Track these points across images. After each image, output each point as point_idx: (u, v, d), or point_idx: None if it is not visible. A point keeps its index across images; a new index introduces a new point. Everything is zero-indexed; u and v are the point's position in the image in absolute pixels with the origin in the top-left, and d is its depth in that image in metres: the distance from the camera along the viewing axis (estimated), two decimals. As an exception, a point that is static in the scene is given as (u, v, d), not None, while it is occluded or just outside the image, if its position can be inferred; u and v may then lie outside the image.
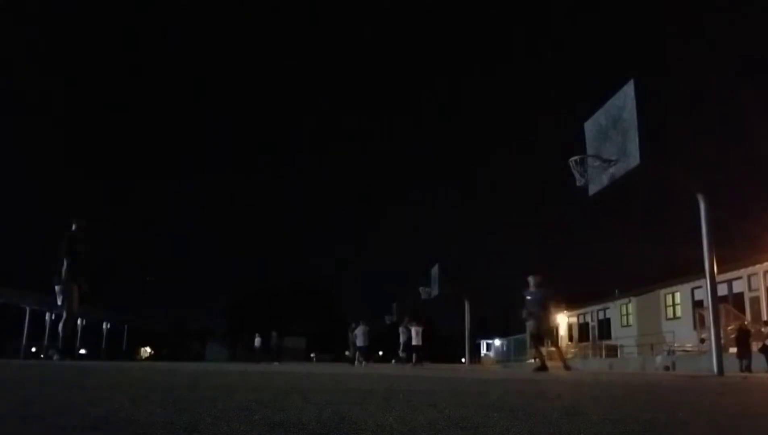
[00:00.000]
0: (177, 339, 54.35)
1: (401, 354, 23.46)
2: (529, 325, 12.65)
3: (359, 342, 22.17)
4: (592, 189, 11.35)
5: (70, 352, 11.15)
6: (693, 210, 10.32)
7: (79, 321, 33.13)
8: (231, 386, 3.34)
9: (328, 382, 4.29)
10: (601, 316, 32.43)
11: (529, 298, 12.11)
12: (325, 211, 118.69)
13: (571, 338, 36.07)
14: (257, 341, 31.82)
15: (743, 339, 16.51)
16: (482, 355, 50.05)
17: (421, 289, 28.21)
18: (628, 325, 29.14)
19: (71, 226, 9.50)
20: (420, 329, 22.13)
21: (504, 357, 45.71)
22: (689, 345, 22.09)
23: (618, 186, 10.85)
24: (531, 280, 12.02)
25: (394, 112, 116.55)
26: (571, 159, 11.36)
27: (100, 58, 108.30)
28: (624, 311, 29.84)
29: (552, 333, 12.36)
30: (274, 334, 32.03)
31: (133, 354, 45.39)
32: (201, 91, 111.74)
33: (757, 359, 16.11)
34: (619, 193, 12.21)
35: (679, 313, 25.08)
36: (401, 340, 23.26)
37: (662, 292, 26.45)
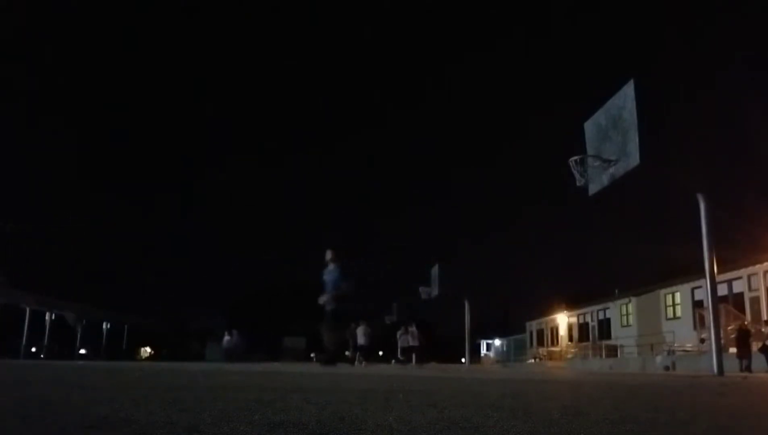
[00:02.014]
0: (177, 339, 54.32)
1: (401, 357, 23.59)
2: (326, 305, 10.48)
3: (360, 342, 22.18)
4: (592, 189, 11.36)
5: None
6: (693, 210, 10.33)
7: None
8: (231, 386, 3.34)
9: (328, 382, 4.29)
10: (601, 316, 32.42)
11: (326, 277, 10.57)
12: (325, 211, 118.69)
13: (571, 338, 36.05)
14: (225, 340, 30.72)
15: (743, 339, 16.50)
16: (482, 355, 50.05)
17: (421, 289, 28.24)
18: (628, 325, 29.14)
19: None
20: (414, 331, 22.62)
21: (504, 357, 45.71)
22: (689, 345, 22.08)
23: (618, 186, 10.86)
24: (328, 254, 10.56)
25: (394, 111, 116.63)
26: (571, 159, 11.37)
27: (98, 58, 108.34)
28: (624, 311, 29.83)
29: (334, 319, 9.99)
30: (234, 331, 30.95)
31: (133, 354, 45.38)
32: (200, 91, 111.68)
33: (757, 359, 16.10)
34: (619, 193, 12.19)
35: (679, 313, 25.07)
36: (400, 344, 23.36)
37: (662, 292, 26.44)
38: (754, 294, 20.71)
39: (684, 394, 3.61)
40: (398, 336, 23.77)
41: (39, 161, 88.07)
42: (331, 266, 10.53)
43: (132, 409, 1.72)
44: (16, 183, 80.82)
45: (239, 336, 30.49)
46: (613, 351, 28.23)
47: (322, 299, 10.33)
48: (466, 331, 28.53)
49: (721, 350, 10.22)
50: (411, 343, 22.49)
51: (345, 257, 10.60)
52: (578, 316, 35.38)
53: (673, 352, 22.37)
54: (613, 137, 10.70)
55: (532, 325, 42.36)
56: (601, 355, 28.54)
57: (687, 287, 24.14)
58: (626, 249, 79.06)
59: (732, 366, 13.87)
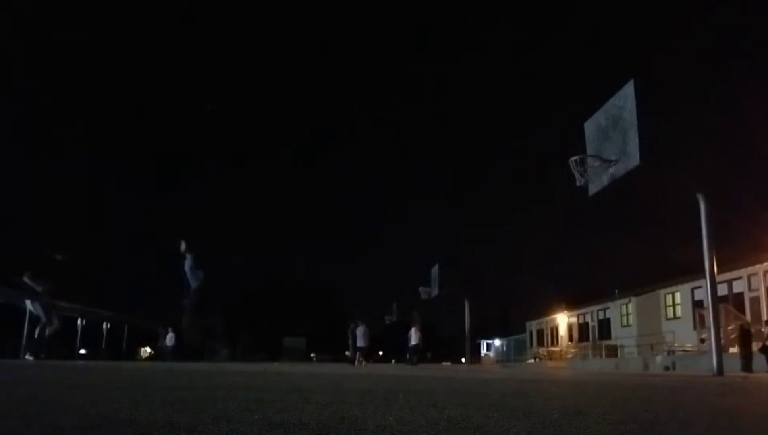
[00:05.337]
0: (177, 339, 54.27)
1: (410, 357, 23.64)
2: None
3: (359, 342, 22.21)
4: (592, 189, 11.36)
5: None
6: (693, 210, 10.33)
7: (79, 321, 33.26)
8: (231, 386, 3.34)
9: (328, 382, 4.29)
10: (601, 316, 32.41)
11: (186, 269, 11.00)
12: (326, 211, 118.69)
13: (571, 338, 36.06)
14: (169, 338, 28.34)
15: (744, 339, 16.49)
16: (482, 355, 50.03)
17: (421, 289, 28.26)
18: (628, 325, 29.13)
19: None
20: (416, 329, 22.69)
21: (504, 357, 45.69)
22: (689, 345, 22.07)
23: (618, 186, 10.86)
24: (182, 245, 10.93)
25: (394, 111, 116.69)
26: (571, 159, 11.37)
27: (98, 58, 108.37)
28: (624, 311, 29.82)
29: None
30: (169, 329, 28.64)
31: (133, 354, 45.35)
32: (200, 91, 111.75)
33: (757, 359, 16.09)
34: (619, 193, 12.18)
35: (679, 313, 25.06)
36: (412, 341, 23.34)
37: (662, 292, 26.43)
38: (754, 294, 20.70)
39: (684, 394, 3.61)
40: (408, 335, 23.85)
41: (39, 161, 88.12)
42: (187, 258, 10.64)
43: (132, 409, 1.72)
44: (15, 183, 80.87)
45: (177, 338, 28.40)
46: (613, 351, 28.22)
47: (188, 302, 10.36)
48: (466, 331, 28.54)
49: (721, 350, 10.22)
50: (412, 343, 22.67)
51: (194, 248, 10.70)
52: (578, 316, 35.37)
53: (673, 352, 22.36)
54: (613, 137, 10.70)
55: (532, 325, 42.35)
56: (601, 355, 28.55)
57: (687, 287, 24.13)
58: (626, 249, 79.08)
59: (732, 366, 13.86)
